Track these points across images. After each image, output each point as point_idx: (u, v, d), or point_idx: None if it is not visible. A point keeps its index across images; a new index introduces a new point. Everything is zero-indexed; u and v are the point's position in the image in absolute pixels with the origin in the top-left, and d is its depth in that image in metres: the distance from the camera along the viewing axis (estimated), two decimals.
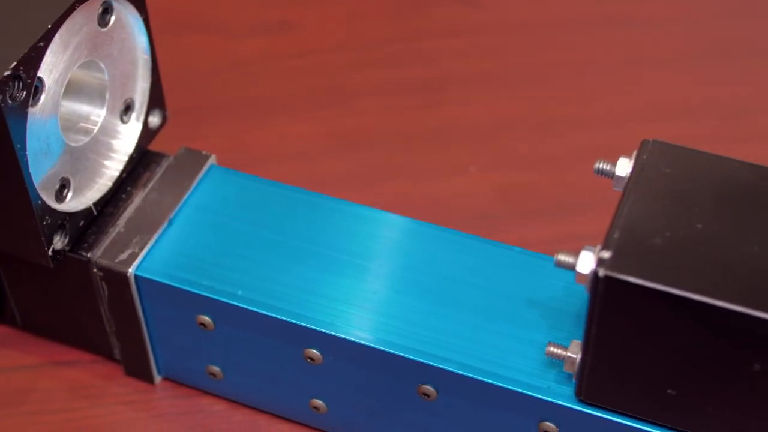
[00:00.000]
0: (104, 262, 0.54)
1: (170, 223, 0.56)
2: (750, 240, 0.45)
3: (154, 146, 0.60)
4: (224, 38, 0.82)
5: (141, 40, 0.57)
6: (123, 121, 0.57)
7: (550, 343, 0.49)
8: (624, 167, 0.48)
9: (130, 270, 0.54)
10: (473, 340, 0.51)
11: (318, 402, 0.56)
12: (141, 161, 0.59)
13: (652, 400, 0.47)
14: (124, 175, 0.58)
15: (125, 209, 0.57)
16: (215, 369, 0.57)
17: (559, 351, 0.49)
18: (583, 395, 0.48)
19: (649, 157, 0.48)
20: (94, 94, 0.56)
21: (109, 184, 0.57)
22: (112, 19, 0.54)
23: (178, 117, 0.64)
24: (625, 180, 0.48)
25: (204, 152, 0.59)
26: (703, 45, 0.81)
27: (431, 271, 0.54)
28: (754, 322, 0.42)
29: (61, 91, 0.51)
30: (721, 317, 0.43)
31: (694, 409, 0.46)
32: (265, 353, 0.54)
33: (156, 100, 0.59)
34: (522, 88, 0.78)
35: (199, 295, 0.53)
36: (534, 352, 0.51)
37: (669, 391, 0.46)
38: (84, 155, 0.55)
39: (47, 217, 0.52)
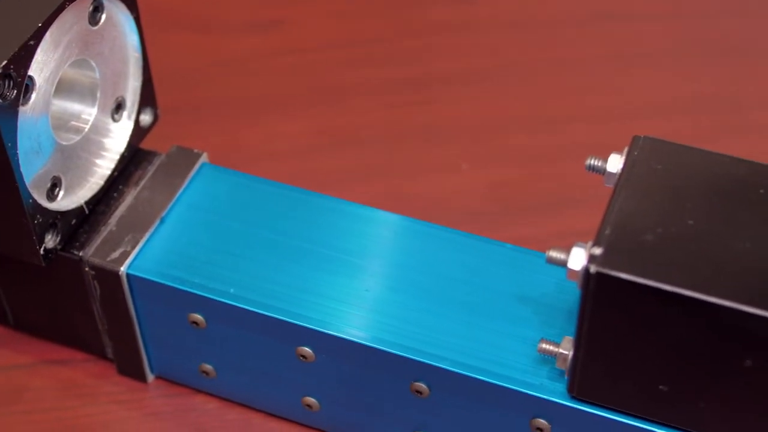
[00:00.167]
0: (96, 261, 0.54)
1: (162, 221, 0.56)
2: (741, 235, 0.45)
3: (145, 144, 0.60)
4: (216, 36, 0.81)
5: (132, 39, 0.56)
6: (114, 120, 0.57)
7: (542, 340, 0.49)
8: (615, 163, 0.48)
9: (122, 268, 0.54)
10: (465, 337, 0.51)
11: (311, 400, 0.56)
12: (133, 160, 0.59)
13: (644, 396, 0.47)
14: (116, 173, 0.57)
15: (117, 208, 0.57)
16: (208, 367, 0.57)
17: (551, 348, 0.49)
18: (576, 392, 0.48)
19: (640, 153, 0.48)
20: (86, 93, 0.56)
21: (101, 182, 0.57)
22: (103, 17, 0.54)
23: (170, 115, 0.64)
24: (617, 176, 0.48)
25: (196, 150, 0.59)
26: (693, 41, 0.81)
27: (423, 269, 0.54)
28: (746, 318, 0.42)
29: (52, 90, 0.51)
30: (713, 313, 0.43)
31: (686, 404, 0.46)
32: (258, 351, 0.54)
33: (147, 98, 0.59)
34: (513, 85, 0.78)
35: (191, 293, 0.53)
36: (526, 349, 0.51)
37: (661, 387, 0.46)
38: (75, 154, 0.55)
39: (39, 216, 0.52)
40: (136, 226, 0.56)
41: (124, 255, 0.54)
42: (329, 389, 0.55)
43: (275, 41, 0.81)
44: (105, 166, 0.57)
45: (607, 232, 0.45)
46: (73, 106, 0.56)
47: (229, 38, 0.81)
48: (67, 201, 0.55)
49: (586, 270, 0.44)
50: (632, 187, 0.46)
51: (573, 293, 0.51)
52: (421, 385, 0.51)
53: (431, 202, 0.69)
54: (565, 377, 0.49)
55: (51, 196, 0.53)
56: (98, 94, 0.56)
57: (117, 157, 0.57)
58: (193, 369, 0.58)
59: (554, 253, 0.46)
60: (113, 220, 0.56)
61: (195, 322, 0.55)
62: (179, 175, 0.58)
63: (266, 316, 0.52)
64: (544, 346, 0.49)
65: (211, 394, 0.59)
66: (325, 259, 0.54)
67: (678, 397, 0.46)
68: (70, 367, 0.61)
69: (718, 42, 0.81)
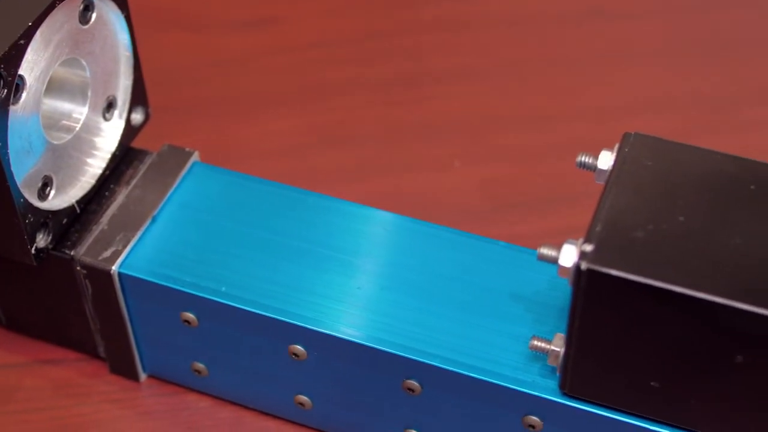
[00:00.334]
0: (88, 260, 0.54)
1: (153, 220, 0.56)
2: (732, 232, 0.45)
3: (137, 143, 0.60)
4: (207, 35, 0.81)
5: (123, 37, 0.56)
6: (105, 119, 0.57)
7: (533, 337, 0.49)
8: (606, 160, 0.48)
9: (114, 267, 0.54)
10: (457, 335, 0.51)
11: (303, 398, 0.56)
12: (124, 159, 0.59)
13: (636, 393, 0.47)
14: (107, 172, 0.57)
15: (108, 207, 0.56)
16: (200, 366, 0.57)
17: (542, 345, 0.49)
18: (567, 389, 0.48)
19: (631, 150, 0.48)
20: (76, 92, 0.56)
21: (92, 181, 0.57)
22: (94, 16, 0.53)
23: (161, 114, 0.64)
24: (607, 173, 0.48)
25: (187, 149, 0.59)
26: (684, 38, 0.81)
27: (416, 267, 0.54)
28: (737, 314, 0.42)
29: (42, 89, 0.51)
30: (704, 309, 0.43)
31: (677, 401, 0.46)
32: (250, 350, 0.54)
33: (138, 97, 0.59)
34: (505, 82, 0.78)
35: (183, 292, 0.53)
36: (518, 346, 0.51)
37: (652, 383, 0.46)
38: (66, 153, 0.55)
39: (30, 216, 0.52)
40: (128, 225, 0.55)
41: (116, 254, 0.54)
42: (321, 387, 0.55)
43: (267, 39, 0.81)
44: (96, 165, 0.57)
45: (598, 228, 0.45)
46: (64, 105, 0.56)
47: (220, 36, 0.81)
48: (58, 200, 0.55)
49: (576, 267, 0.44)
50: (623, 184, 0.46)
51: (565, 290, 0.51)
52: (413, 383, 0.51)
53: (424, 200, 0.69)
54: (557, 374, 0.49)
55: (42, 195, 0.53)
56: (89, 93, 0.56)
57: (108, 156, 0.57)
58: (186, 368, 0.58)
59: (545, 251, 0.46)
60: (105, 219, 0.56)
61: (187, 321, 0.55)
62: (171, 173, 0.58)
63: (258, 314, 0.52)
64: (535, 343, 0.49)
65: (203, 393, 0.59)
66: (317, 257, 0.54)
67: (669, 394, 0.46)
68: (62, 366, 0.61)
69: (709, 39, 0.81)
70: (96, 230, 0.55)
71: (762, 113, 0.75)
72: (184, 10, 0.84)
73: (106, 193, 0.57)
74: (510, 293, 0.53)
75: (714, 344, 0.44)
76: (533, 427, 0.50)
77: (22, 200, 0.51)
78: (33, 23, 0.49)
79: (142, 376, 0.60)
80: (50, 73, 0.51)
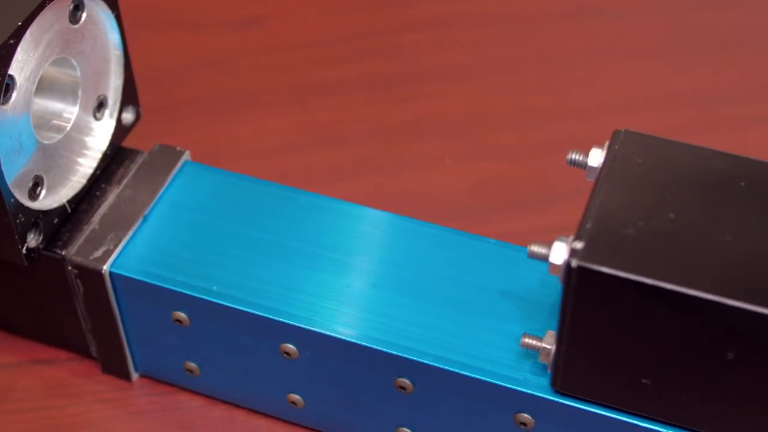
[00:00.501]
0: (79, 260, 0.54)
1: (145, 219, 0.56)
2: (722, 229, 0.45)
3: (128, 143, 0.59)
4: (198, 34, 0.81)
5: (113, 37, 0.56)
6: (96, 118, 0.57)
7: (525, 335, 0.49)
8: (596, 157, 0.48)
9: (105, 267, 0.54)
10: (449, 333, 0.51)
11: (295, 397, 0.56)
12: (115, 158, 0.59)
13: (628, 390, 0.47)
14: (98, 172, 0.57)
15: (99, 206, 0.56)
16: (192, 365, 0.57)
17: (534, 342, 0.49)
18: (559, 386, 0.49)
19: (621, 147, 0.48)
20: (67, 92, 0.55)
21: (83, 181, 0.56)
22: (84, 15, 0.53)
23: (152, 113, 0.64)
24: (598, 170, 0.48)
25: (178, 148, 0.59)
26: (675, 36, 0.81)
27: (407, 265, 0.54)
28: (727, 311, 0.42)
29: (32, 89, 0.51)
30: (694, 306, 0.43)
31: (669, 398, 0.47)
32: (242, 349, 0.54)
33: (129, 96, 0.58)
34: (496, 80, 0.78)
35: (174, 291, 0.53)
36: (510, 344, 0.51)
37: (644, 380, 0.46)
38: (57, 153, 0.55)
39: (21, 216, 0.52)
40: (119, 224, 0.55)
41: (107, 254, 0.54)
42: (313, 386, 0.55)
43: (258, 38, 0.81)
44: (87, 164, 0.57)
45: (588, 226, 0.45)
46: (55, 105, 0.56)
47: (211, 36, 0.81)
48: (49, 200, 0.54)
49: (567, 264, 0.44)
50: (613, 181, 0.46)
51: (556, 288, 0.51)
52: (405, 381, 0.51)
53: (416, 198, 0.69)
54: (548, 372, 0.49)
55: (33, 195, 0.53)
56: (80, 93, 0.55)
57: (99, 155, 0.57)
58: (177, 367, 0.58)
59: (536, 248, 0.46)
60: (96, 219, 0.56)
61: (178, 320, 0.54)
62: (162, 173, 0.58)
63: (249, 313, 0.52)
64: (526, 340, 0.49)
65: (195, 392, 0.59)
66: (309, 256, 0.54)
67: (661, 390, 0.46)
68: (54, 366, 0.61)
69: (701, 37, 0.81)
70: (87, 230, 0.55)
71: (760, 111, 0.75)
72: (176, 8, 0.83)
73: (97, 193, 0.57)
74: (501, 291, 0.53)
75: (705, 341, 0.44)
76: (525, 424, 0.50)
77: (12, 200, 0.51)
78: (23, 23, 0.49)
79: (134, 376, 0.60)
80: (40, 73, 0.51)
